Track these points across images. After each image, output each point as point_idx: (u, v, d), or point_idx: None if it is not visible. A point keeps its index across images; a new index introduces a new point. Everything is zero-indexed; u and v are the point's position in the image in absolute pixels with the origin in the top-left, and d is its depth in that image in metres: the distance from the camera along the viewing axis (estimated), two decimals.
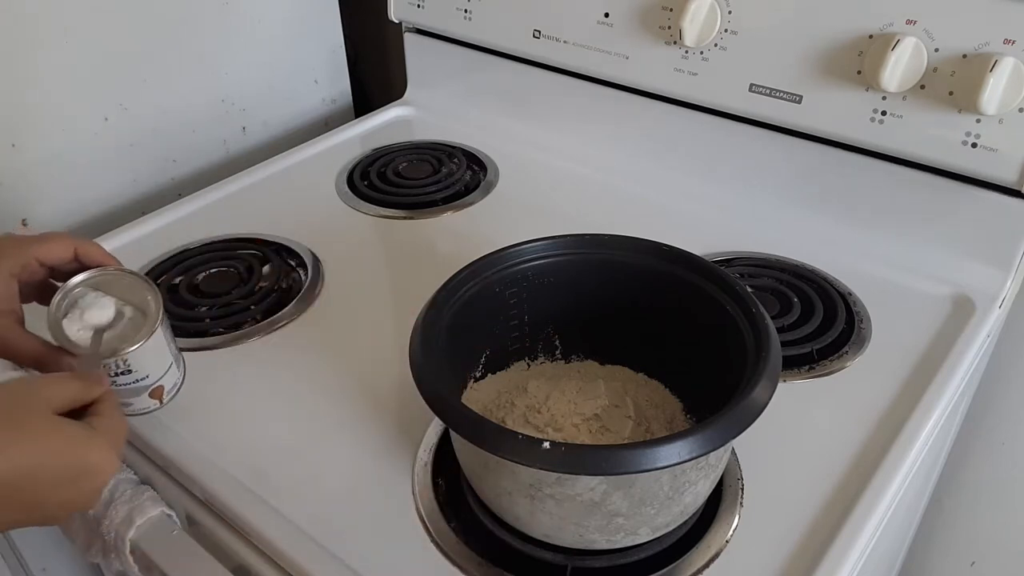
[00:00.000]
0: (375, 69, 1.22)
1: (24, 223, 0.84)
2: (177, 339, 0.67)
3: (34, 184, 0.84)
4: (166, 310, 0.54)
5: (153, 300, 0.53)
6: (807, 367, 0.64)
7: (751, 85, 0.76)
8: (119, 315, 0.53)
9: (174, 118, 0.95)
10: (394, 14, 1.01)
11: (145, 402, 0.55)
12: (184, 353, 0.66)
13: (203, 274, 0.75)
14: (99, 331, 0.51)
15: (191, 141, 0.98)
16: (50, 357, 0.51)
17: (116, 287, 0.53)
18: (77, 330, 0.51)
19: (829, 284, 0.71)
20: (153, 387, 0.55)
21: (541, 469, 0.41)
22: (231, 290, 0.72)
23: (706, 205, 0.82)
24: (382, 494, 0.54)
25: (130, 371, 0.52)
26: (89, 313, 0.52)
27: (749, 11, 0.74)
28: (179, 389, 0.58)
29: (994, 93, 0.62)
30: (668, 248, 0.56)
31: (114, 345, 0.51)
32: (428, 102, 1.04)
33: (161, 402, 0.56)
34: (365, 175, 0.90)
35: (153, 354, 0.53)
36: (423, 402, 0.45)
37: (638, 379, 0.59)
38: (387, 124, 1.03)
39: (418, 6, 0.98)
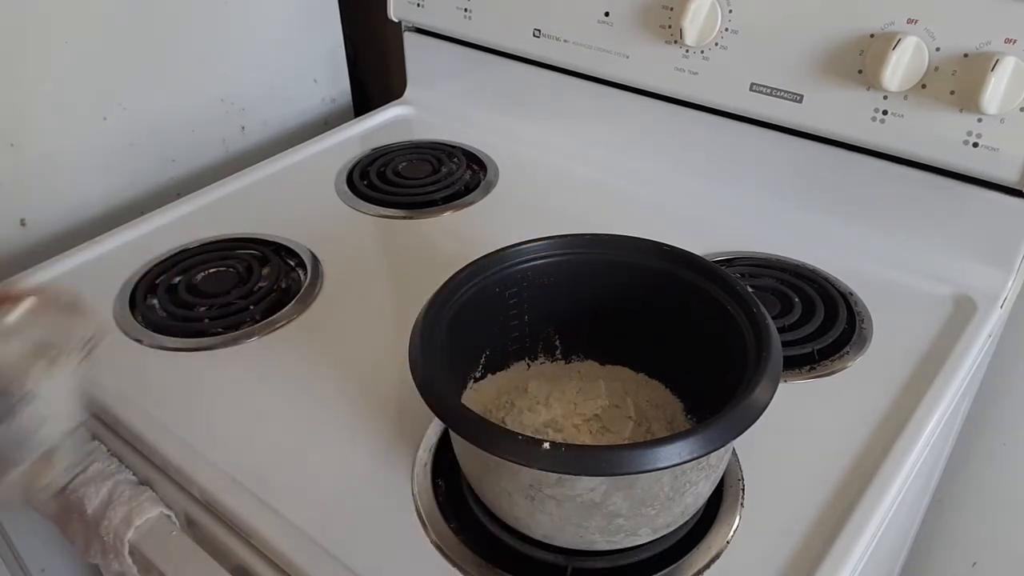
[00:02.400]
0: (375, 69, 1.22)
1: (23, 223, 0.84)
2: (176, 339, 0.67)
3: (33, 184, 0.84)
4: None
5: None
6: (808, 367, 0.64)
7: (752, 84, 0.75)
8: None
9: (173, 118, 0.95)
10: (394, 13, 1.01)
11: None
12: (183, 353, 0.66)
13: (202, 274, 0.74)
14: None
15: (190, 141, 0.97)
16: None
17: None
18: None
19: (830, 284, 0.71)
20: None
21: (541, 470, 0.41)
22: (230, 290, 0.72)
23: (706, 205, 0.81)
24: (382, 494, 0.54)
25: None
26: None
27: (750, 10, 0.74)
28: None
29: (995, 92, 0.62)
30: (668, 248, 0.56)
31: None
32: (428, 102, 1.04)
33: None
34: (365, 175, 0.90)
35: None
36: (423, 402, 0.45)
37: (639, 379, 0.59)
38: (387, 124, 1.03)
39: (418, 5, 0.98)
